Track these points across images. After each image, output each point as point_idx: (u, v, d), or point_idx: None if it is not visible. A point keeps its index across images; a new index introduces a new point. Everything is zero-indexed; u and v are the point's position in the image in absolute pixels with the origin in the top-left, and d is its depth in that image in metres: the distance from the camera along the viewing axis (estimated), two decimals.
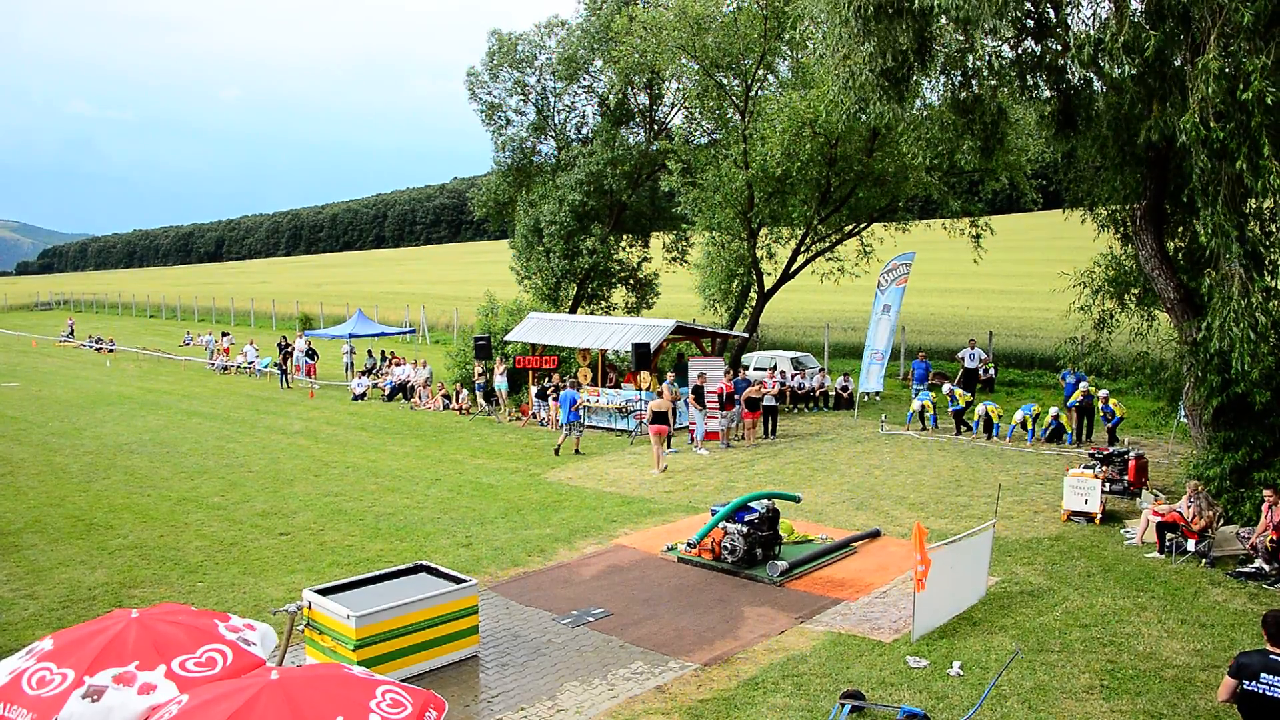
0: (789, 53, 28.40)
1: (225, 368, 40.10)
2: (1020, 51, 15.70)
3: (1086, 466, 16.63)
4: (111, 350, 48.63)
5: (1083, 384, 22.54)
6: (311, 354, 37.25)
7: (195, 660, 6.53)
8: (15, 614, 12.45)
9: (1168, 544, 13.89)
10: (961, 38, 15.34)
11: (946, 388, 24.73)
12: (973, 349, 27.66)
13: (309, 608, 10.36)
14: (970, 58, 15.70)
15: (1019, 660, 10.18)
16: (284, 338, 39.63)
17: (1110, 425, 21.24)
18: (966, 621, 11.50)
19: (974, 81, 16.23)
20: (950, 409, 23.85)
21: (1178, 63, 13.61)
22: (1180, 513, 14.03)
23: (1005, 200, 28.95)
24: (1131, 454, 17.37)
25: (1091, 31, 13.83)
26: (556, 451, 22.22)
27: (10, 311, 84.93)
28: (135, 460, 21.77)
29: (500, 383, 28.43)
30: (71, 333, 56.65)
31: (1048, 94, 16.22)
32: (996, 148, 18.41)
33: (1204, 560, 13.50)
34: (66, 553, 15.02)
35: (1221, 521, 14.04)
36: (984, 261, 29.05)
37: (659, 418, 20.77)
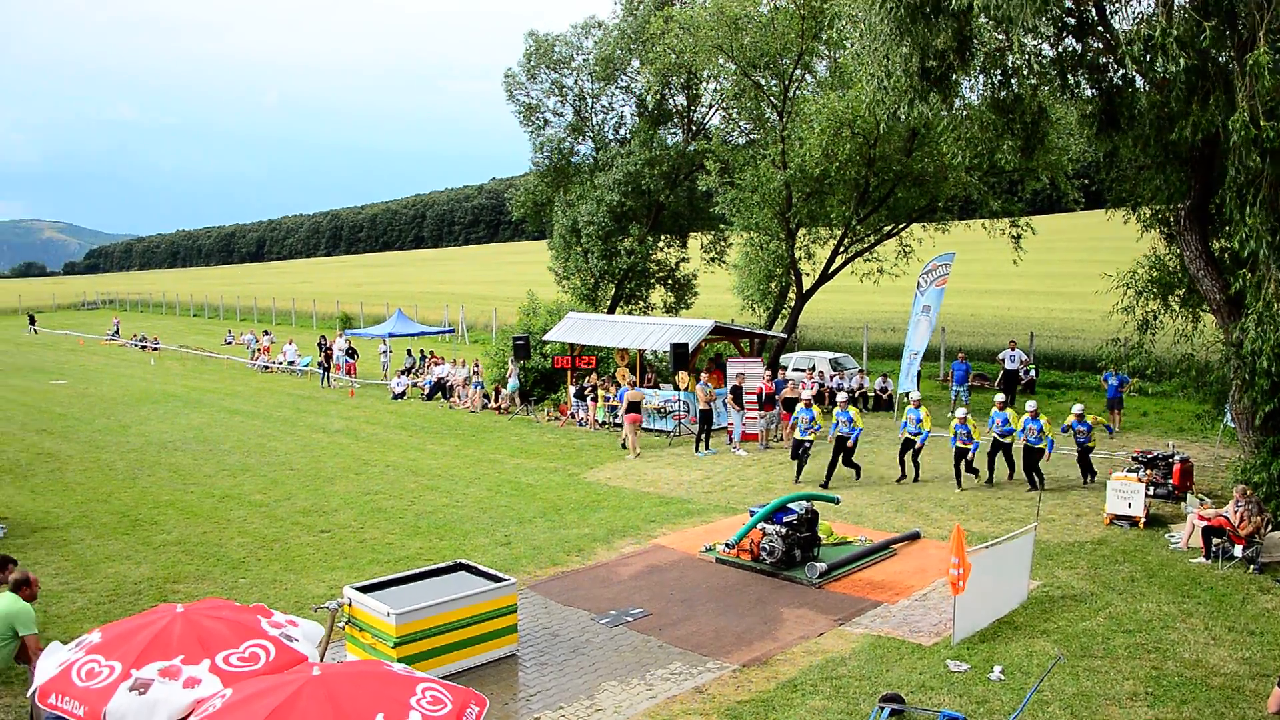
0: (827, 52, 28.27)
1: (266, 367, 40.52)
2: (1061, 50, 15.54)
3: (1130, 470, 16.43)
4: (156, 349, 49.29)
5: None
6: (352, 353, 37.58)
7: (239, 655, 6.62)
8: (64, 606, 12.68)
9: (1214, 549, 13.68)
10: (1001, 36, 15.21)
11: (997, 424, 18.61)
12: (1013, 350, 27.40)
13: (350, 605, 10.48)
14: (1010, 57, 15.55)
15: (1061, 665, 10.10)
16: (323, 337, 40.02)
17: (1081, 442, 18.36)
18: (1008, 625, 11.41)
19: (1014, 80, 16.07)
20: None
21: (1223, 60, 13.42)
22: (1227, 517, 13.83)
23: (1046, 200, 28.63)
24: (1176, 457, 17.13)
25: (1138, 28, 13.66)
26: (624, 445, 22.56)
27: (58, 311, 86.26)
28: (179, 457, 22.07)
29: (512, 383, 28.83)
30: (117, 331, 57.48)
31: (1089, 92, 16.04)
32: (1037, 147, 18.25)
33: (1251, 566, 13.30)
34: (113, 548, 15.28)
35: (1270, 527, 13.80)
36: (1025, 262, 28.77)
37: (633, 407, 22.24)
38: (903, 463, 19.33)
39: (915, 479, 19.11)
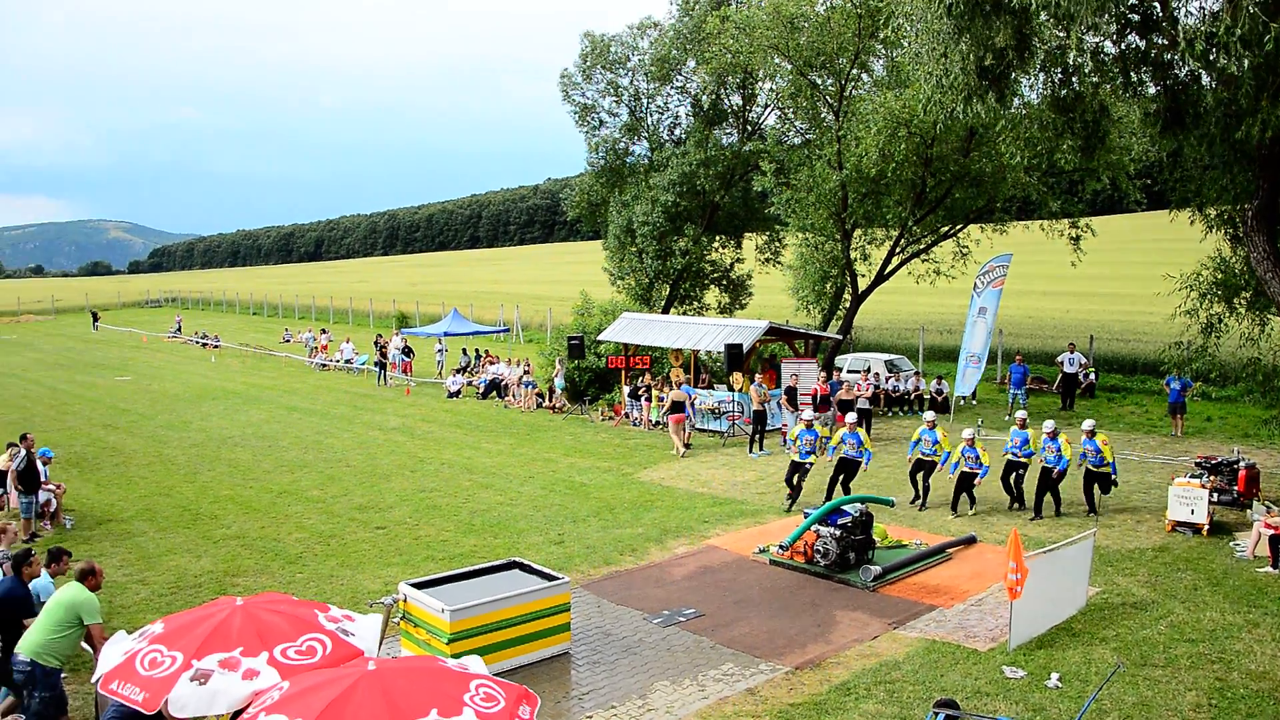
0: (883, 51, 28.03)
1: (324, 365, 41.04)
2: (1124, 47, 15.26)
3: (1193, 476, 16.10)
4: (216, 346, 50.19)
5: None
6: (408, 351, 37.93)
7: (296, 648, 6.72)
8: (128, 597, 12.98)
9: None
10: (1062, 34, 14.98)
11: (1015, 443, 17.13)
12: (1072, 353, 26.96)
13: (405, 600, 10.60)
14: (1071, 54, 15.32)
15: (1121, 674, 9.92)
16: (379, 335, 40.46)
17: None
18: (1065, 632, 11.25)
19: (1075, 79, 15.81)
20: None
21: None
22: None
23: (1107, 200, 28.13)
24: (1242, 463, 16.75)
25: (1201, 26, 13.39)
26: (688, 445, 22.68)
27: (123, 309, 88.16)
28: (238, 453, 22.46)
29: (558, 381, 29.10)
30: (179, 329, 58.62)
31: (1153, 90, 15.75)
32: (1098, 146, 17.92)
33: None
34: (174, 541, 15.60)
35: None
36: (1085, 263, 28.32)
37: (677, 407, 22.43)
38: (915, 482, 17.59)
39: (923, 505, 17.32)
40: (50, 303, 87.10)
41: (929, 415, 18.28)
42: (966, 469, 16.68)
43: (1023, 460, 16.94)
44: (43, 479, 16.36)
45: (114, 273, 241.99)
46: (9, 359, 46.15)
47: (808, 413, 18.62)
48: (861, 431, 17.64)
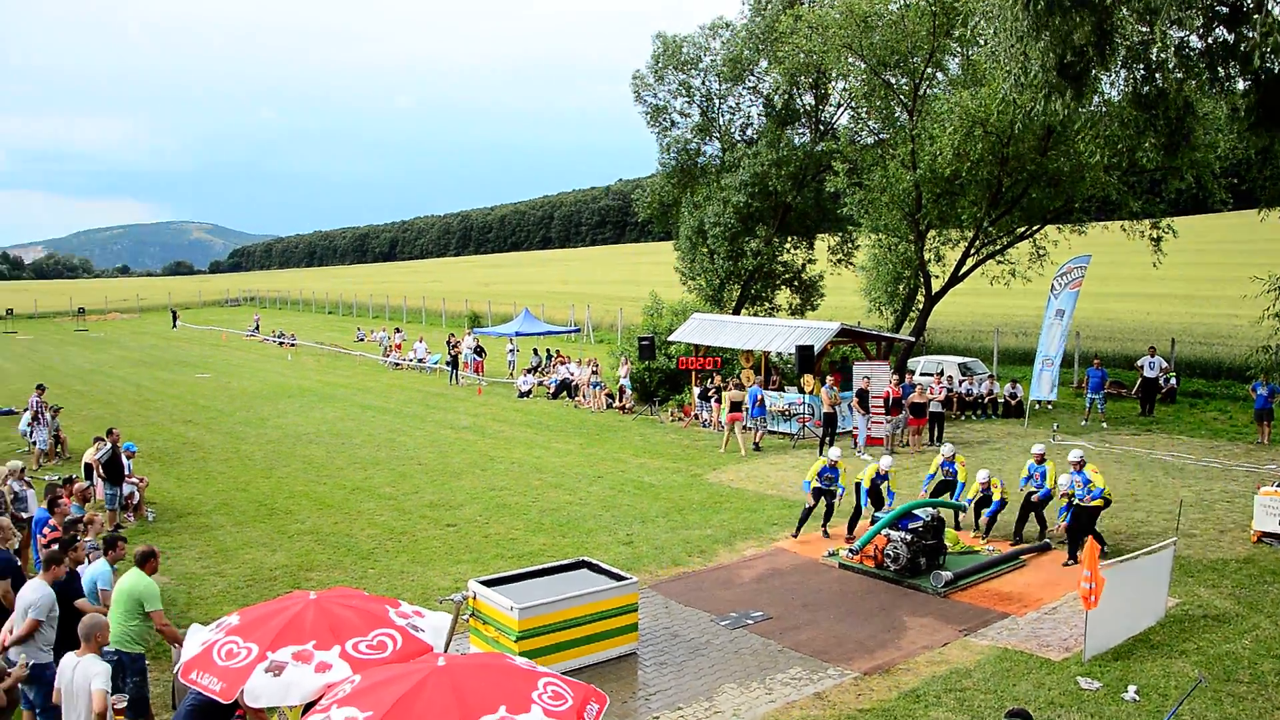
0: (959, 50, 27.62)
1: (397, 364, 41.58)
2: (1210, 41, 14.84)
3: (1279, 484, 15.59)
4: (293, 345, 51.17)
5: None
6: (480, 351, 38.30)
7: (367, 643, 6.79)
8: (206, 589, 13.29)
9: None
10: (1145, 29, 14.61)
11: (1036, 478, 15.29)
12: (1153, 357, 26.29)
13: (474, 598, 10.68)
14: (1154, 49, 14.93)
15: (1202, 689, 9.62)
16: (451, 335, 40.88)
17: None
18: (1143, 644, 10.96)
19: (1158, 75, 15.41)
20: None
21: None
22: None
23: (1190, 200, 27.36)
24: None
25: None
26: (756, 447, 22.84)
27: (204, 308, 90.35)
28: (313, 450, 22.85)
29: (623, 381, 29.26)
30: (257, 328, 59.91)
31: (1241, 85, 15.29)
32: (1182, 144, 17.50)
33: None
34: (251, 535, 15.92)
35: None
36: (1167, 265, 27.61)
37: (734, 406, 22.84)
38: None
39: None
40: (135, 302, 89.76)
41: (947, 449, 16.51)
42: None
43: (1037, 501, 15.10)
44: (126, 472, 16.82)
45: (195, 273, 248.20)
46: (97, 356, 47.59)
47: (835, 451, 16.15)
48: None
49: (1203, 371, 30.61)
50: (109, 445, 16.40)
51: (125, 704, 7.82)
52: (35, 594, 8.61)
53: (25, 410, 22.52)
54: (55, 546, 9.54)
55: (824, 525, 15.88)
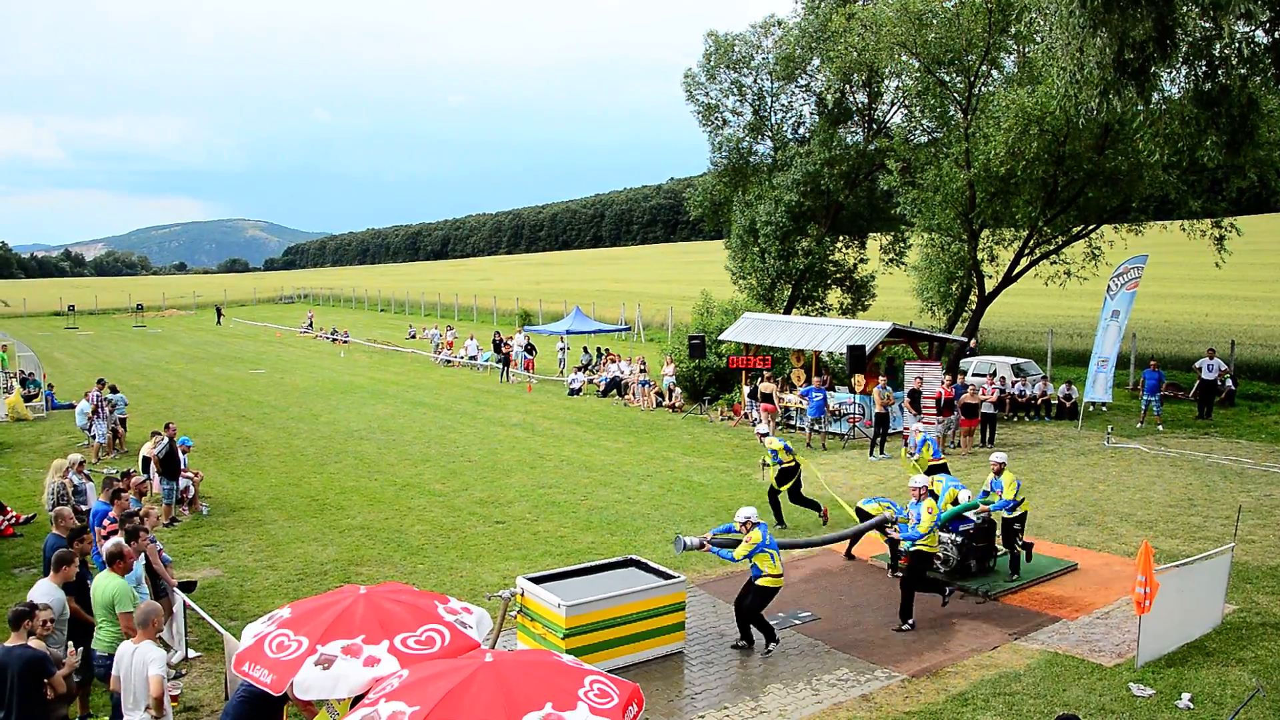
0: (1014, 47, 27.30)
1: (448, 361, 41.89)
2: (1276, 36, 14.54)
3: None
4: (346, 342, 51.76)
5: None
6: (530, 349, 38.47)
7: (416, 638, 6.84)
8: (258, 582, 13.49)
9: None
10: (1208, 24, 14.34)
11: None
12: (1211, 359, 25.76)
13: (522, 595, 10.75)
14: (1217, 45, 14.65)
15: (1259, 698, 9.41)
16: (498, 333, 41.11)
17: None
18: (1198, 651, 10.75)
19: (1220, 71, 15.13)
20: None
21: None
22: None
23: (1253, 199, 26.80)
24: None
25: None
26: (821, 445, 23.15)
27: (259, 304, 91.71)
28: (364, 446, 23.11)
29: (665, 380, 29.39)
30: (311, 324, 60.67)
31: None
32: (1245, 142, 17.10)
33: None
34: (302, 529, 16.15)
35: None
36: (1227, 265, 27.06)
37: (767, 398, 23.93)
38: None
39: None
40: (191, 298, 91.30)
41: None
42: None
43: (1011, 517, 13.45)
44: (182, 467, 17.12)
45: (251, 270, 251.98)
46: (154, 351, 48.50)
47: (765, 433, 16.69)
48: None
49: (1263, 374, 29.94)
50: (166, 439, 16.70)
51: (180, 690, 7.94)
52: (46, 598, 8.44)
53: (82, 402, 22.95)
54: (70, 545, 9.33)
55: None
